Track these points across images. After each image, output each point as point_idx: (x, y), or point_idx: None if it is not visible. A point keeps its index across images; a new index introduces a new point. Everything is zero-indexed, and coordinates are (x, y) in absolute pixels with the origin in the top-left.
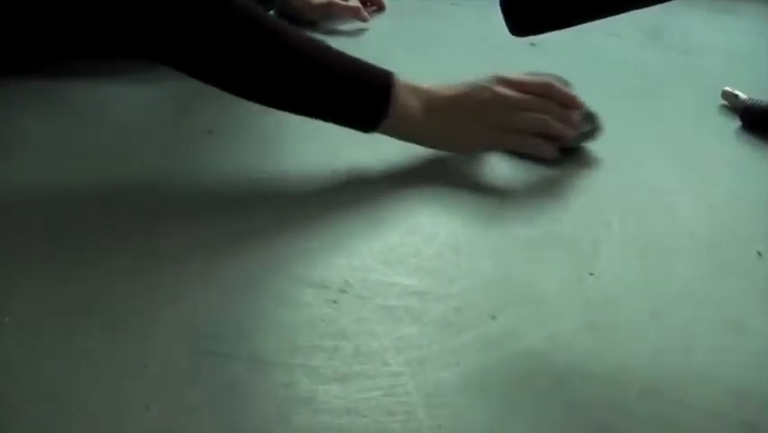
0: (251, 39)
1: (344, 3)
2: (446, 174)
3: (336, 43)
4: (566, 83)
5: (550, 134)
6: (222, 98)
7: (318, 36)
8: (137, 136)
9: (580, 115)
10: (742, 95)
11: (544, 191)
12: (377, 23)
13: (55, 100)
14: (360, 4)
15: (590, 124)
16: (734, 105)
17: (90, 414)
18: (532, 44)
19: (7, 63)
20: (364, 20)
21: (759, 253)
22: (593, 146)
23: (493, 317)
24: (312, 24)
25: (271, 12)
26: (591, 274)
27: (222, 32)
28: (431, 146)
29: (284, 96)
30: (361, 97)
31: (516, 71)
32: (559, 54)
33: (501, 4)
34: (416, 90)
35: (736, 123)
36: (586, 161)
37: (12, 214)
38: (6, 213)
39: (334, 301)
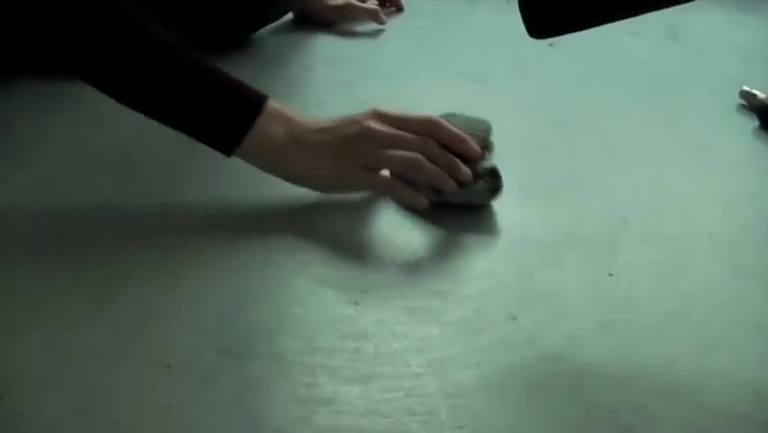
0: (134, 45)
1: (362, 4)
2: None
3: (354, 45)
4: (487, 130)
5: (422, 180)
6: None
7: (336, 38)
8: (156, 140)
9: (478, 168)
10: (760, 94)
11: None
12: (394, 25)
13: (78, 102)
14: (377, 6)
15: (486, 183)
16: (752, 105)
17: (113, 413)
18: (550, 45)
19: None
20: (382, 22)
21: None
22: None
23: (513, 318)
24: (330, 26)
25: (290, 14)
26: (610, 275)
27: (104, 35)
28: (288, 179)
29: (147, 99)
30: (222, 118)
31: (461, 111)
32: (576, 54)
33: (520, 6)
34: (284, 119)
35: (754, 122)
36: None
37: (28, 219)
38: (24, 218)
39: (355, 302)
